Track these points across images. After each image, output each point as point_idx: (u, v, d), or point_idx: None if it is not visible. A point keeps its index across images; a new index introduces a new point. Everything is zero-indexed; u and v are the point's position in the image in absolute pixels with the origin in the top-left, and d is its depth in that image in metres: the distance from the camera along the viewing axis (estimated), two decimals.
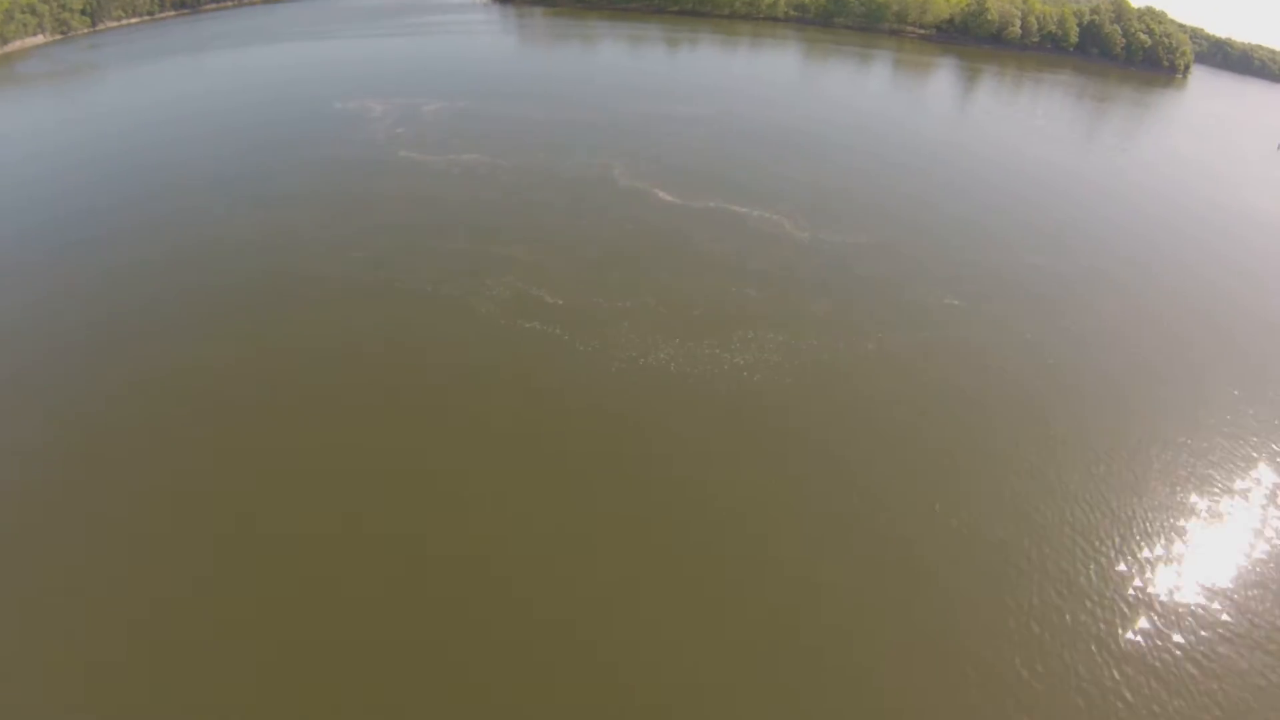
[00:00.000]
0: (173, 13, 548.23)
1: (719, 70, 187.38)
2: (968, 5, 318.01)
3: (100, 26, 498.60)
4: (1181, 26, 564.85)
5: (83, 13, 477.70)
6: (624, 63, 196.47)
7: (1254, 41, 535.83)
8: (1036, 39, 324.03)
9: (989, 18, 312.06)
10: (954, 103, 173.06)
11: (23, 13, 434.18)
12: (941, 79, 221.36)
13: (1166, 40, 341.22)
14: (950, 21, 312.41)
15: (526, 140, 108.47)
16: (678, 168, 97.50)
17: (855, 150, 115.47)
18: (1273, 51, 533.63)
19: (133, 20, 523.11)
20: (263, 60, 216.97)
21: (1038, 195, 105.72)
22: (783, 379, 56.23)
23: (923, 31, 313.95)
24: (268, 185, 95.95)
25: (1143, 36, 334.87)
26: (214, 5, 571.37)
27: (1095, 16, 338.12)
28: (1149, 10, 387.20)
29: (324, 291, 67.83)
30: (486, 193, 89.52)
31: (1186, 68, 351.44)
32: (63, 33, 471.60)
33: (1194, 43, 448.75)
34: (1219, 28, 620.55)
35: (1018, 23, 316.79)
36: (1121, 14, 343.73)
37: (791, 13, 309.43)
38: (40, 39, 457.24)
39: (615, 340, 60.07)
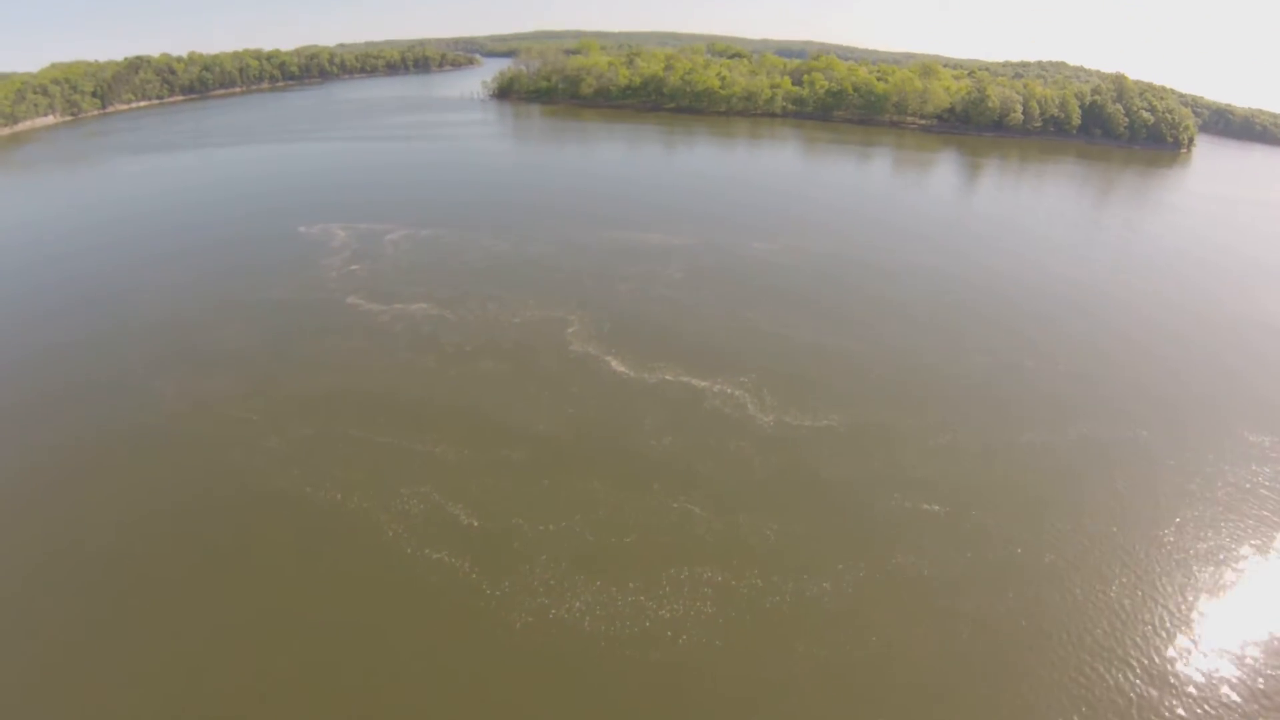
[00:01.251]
0: (181, 97, 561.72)
1: (707, 183, 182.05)
2: (968, 93, 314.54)
3: (110, 109, 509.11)
4: (1181, 96, 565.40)
5: (93, 95, 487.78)
6: (608, 174, 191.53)
7: (1254, 107, 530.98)
8: (1039, 124, 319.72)
9: (990, 105, 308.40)
10: (951, 216, 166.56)
11: (34, 93, 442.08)
12: (941, 181, 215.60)
13: (1169, 116, 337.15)
14: (951, 110, 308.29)
15: (482, 285, 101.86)
16: (638, 323, 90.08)
17: (841, 288, 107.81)
18: (1274, 116, 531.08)
19: (141, 104, 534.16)
20: (245, 163, 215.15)
21: (1042, 336, 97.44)
22: (713, 640, 47.59)
23: (923, 122, 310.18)
24: (200, 339, 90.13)
25: (1145, 115, 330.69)
26: (222, 92, 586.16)
27: (1097, 97, 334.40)
28: (1150, 87, 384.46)
29: (226, 500, 61.40)
30: (425, 359, 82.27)
31: (1190, 141, 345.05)
32: (73, 114, 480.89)
33: (1194, 112, 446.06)
34: (1217, 93, 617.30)
35: (1019, 109, 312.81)
36: (1123, 92, 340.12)
37: (790, 107, 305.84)
38: (51, 119, 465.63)
39: (528, 581, 51.96)
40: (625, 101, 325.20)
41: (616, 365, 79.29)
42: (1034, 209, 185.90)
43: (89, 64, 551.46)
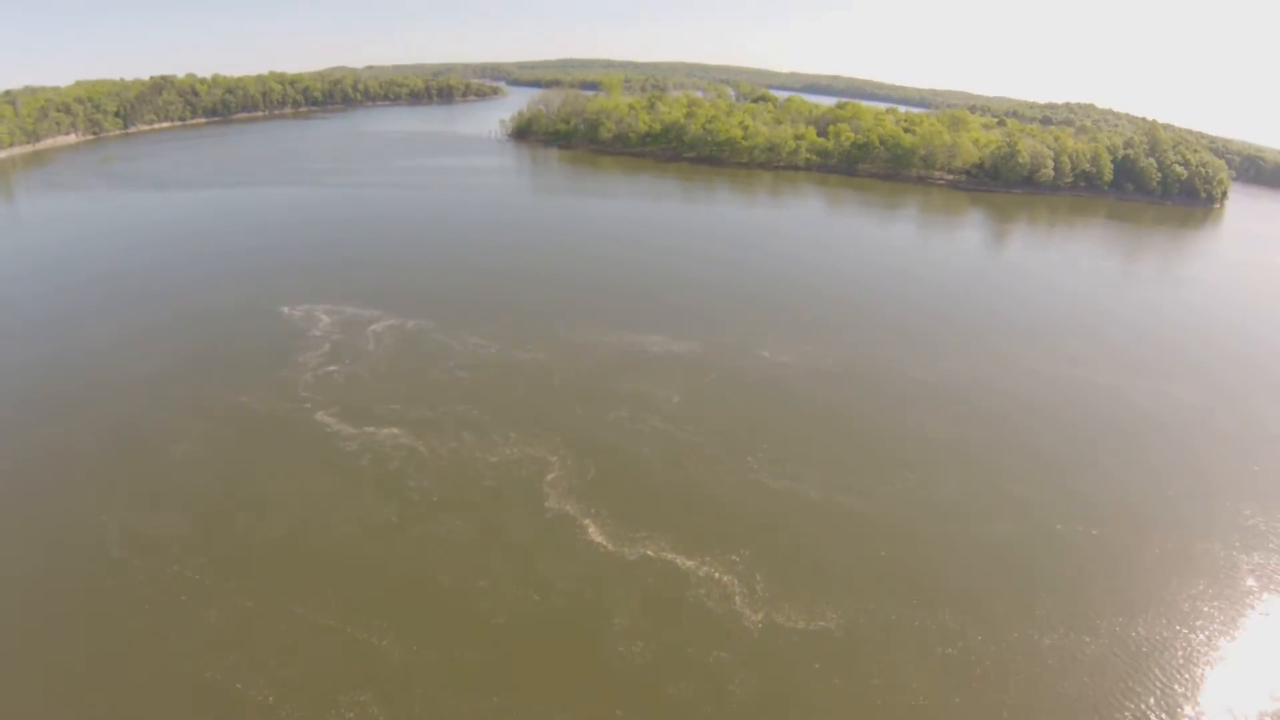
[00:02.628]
0: (203, 120, 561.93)
1: (723, 255, 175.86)
2: (998, 148, 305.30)
3: (132, 130, 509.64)
4: (1211, 141, 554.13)
5: (116, 114, 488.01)
6: (620, 240, 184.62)
7: None
8: (1070, 179, 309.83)
9: (1020, 160, 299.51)
10: (976, 298, 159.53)
11: (57, 111, 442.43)
12: (966, 255, 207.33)
13: (1203, 170, 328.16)
14: (980, 166, 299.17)
15: (462, 404, 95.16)
16: (626, 470, 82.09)
17: (855, 417, 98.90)
18: None
19: (163, 125, 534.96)
20: (247, 211, 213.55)
21: (1076, 474, 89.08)
22: None
23: (951, 177, 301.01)
24: (154, 459, 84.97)
25: (1178, 169, 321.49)
26: (244, 115, 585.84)
27: (1130, 150, 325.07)
28: (1183, 138, 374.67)
29: (151, 687, 55.58)
30: (387, 510, 74.84)
31: (1224, 195, 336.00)
32: (94, 133, 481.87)
33: (1226, 161, 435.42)
34: (1249, 133, 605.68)
35: (1050, 164, 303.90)
36: (1156, 145, 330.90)
37: (814, 159, 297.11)
38: (73, 138, 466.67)
39: None
40: (645, 149, 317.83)
41: (594, 533, 71.18)
42: (1061, 288, 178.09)
43: (113, 82, 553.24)
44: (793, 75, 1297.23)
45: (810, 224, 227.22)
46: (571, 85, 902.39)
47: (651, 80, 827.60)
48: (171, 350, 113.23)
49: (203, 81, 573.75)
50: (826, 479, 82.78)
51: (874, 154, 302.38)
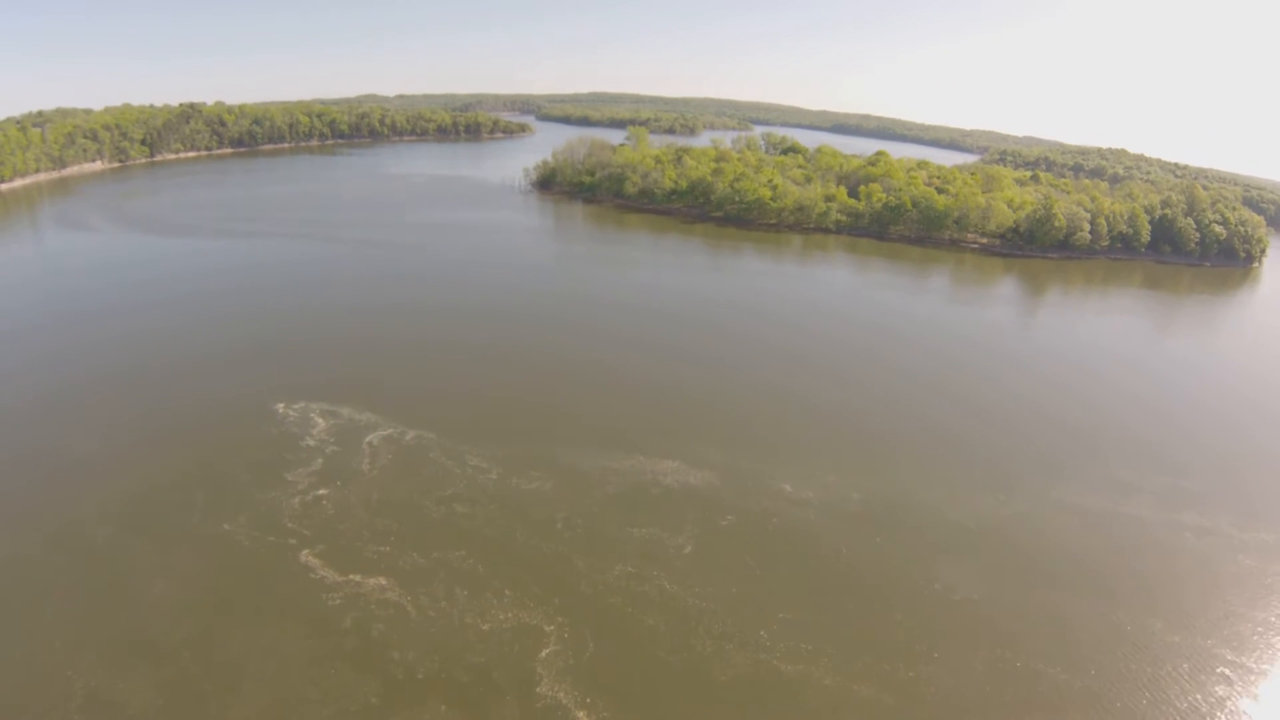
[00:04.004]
0: (229, 150, 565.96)
1: (741, 346, 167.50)
2: (1033, 210, 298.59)
3: (158, 158, 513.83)
4: (1247, 187, 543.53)
5: (142, 142, 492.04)
6: (635, 326, 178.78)
7: None
8: (1106, 242, 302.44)
9: (1056, 224, 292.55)
10: (1010, 392, 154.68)
11: (84, 138, 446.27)
12: (998, 334, 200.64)
13: (1241, 229, 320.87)
14: (1015, 230, 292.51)
15: (458, 549, 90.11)
16: (625, 649, 75.56)
17: (882, 571, 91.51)
18: None
19: (189, 155, 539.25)
20: (255, 269, 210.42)
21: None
22: None
23: (985, 240, 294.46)
24: (126, 605, 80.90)
25: (1217, 228, 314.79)
26: (270, 147, 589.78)
27: (1167, 210, 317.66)
28: (1220, 195, 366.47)
29: None
30: (366, 689, 70.13)
31: (1262, 253, 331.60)
32: (120, 161, 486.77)
33: (1259, 209, 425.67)
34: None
35: (1086, 226, 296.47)
36: (1194, 204, 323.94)
37: (844, 219, 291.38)
38: (99, 165, 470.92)
39: None
40: (671, 206, 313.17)
41: None
42: (1103, 378, 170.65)
43: (141, 109, 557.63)
44: (822, 114, 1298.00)
45: (840, 296, 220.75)
46: (600, 122, 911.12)
47: (680, 120, 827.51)
48: (157, 458, 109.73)
49: (230, 112, 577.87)
50: (844, 660, 76.49)
51: (906, 216, 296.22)
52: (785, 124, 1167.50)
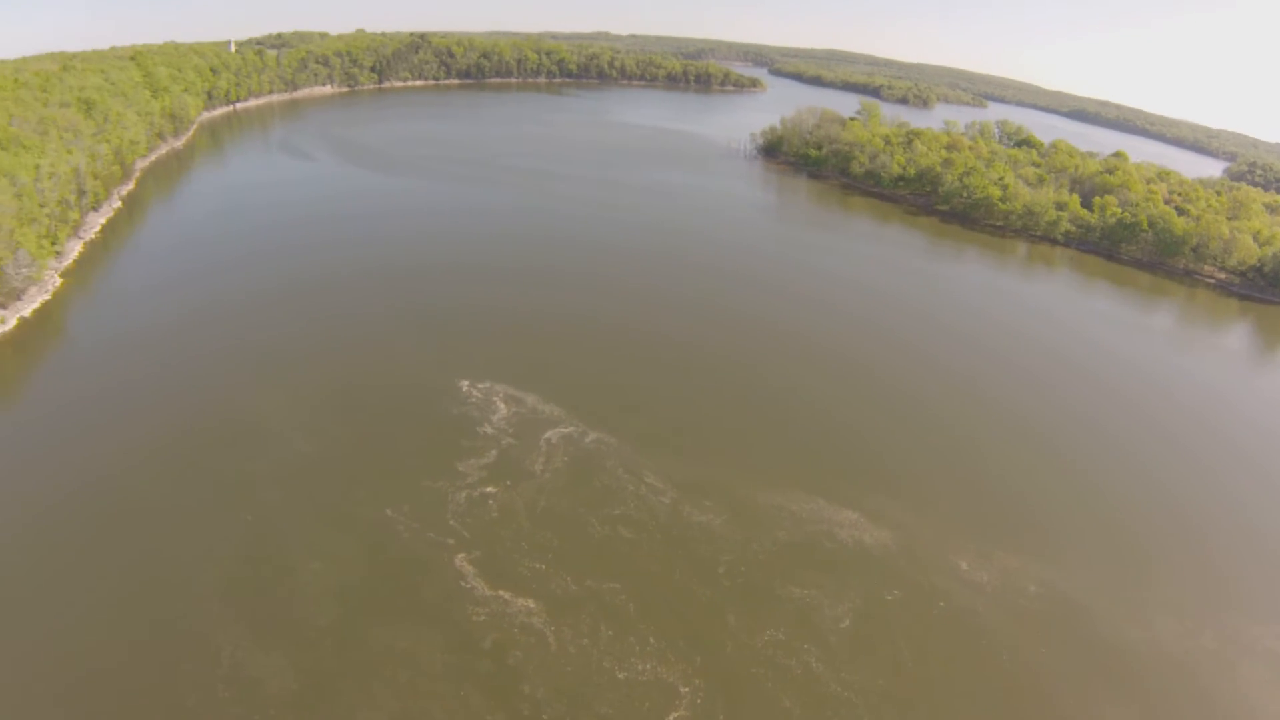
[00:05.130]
0: (456, 81, 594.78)
1: (944, 375, 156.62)
2: None
3: (386, 85, 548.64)
4: None
5: (371, 69, 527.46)
6: (843, 333, 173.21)
7: None
8: None
9: None
10: (1224, 492, 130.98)
11: (316, 63, 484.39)
12: (1223, 395, 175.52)
13: None
14: (1259, 270, 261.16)
15: (611, 583, 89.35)
16: None
17: (1039, 698, 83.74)
18: None
19: (416, 83, 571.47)
20: (455, 224, 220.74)
21: None
22: None
23: (1222, 275, 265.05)
24: (278, 583, 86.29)
25: None
26: (497, 81, 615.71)
27: None
28: None
29: None
30: None
31: None
32: (349, 86, 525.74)
33: None
34: None
35: None
36: None
37: (1073, 230, 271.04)
38: (329, 89, 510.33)
39: None
40: (897, 192, 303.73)
41: None
42: None
43: (372, 36, 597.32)
44: (1058, 95, 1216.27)
45: (1057, 328, 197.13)
46: (832, 83, 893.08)
47: (914, 90, 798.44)
48: (335, 422, 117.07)
49: (459, 44, 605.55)
50: None
51: (1140, 236, 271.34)
52: (1020, 102, 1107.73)
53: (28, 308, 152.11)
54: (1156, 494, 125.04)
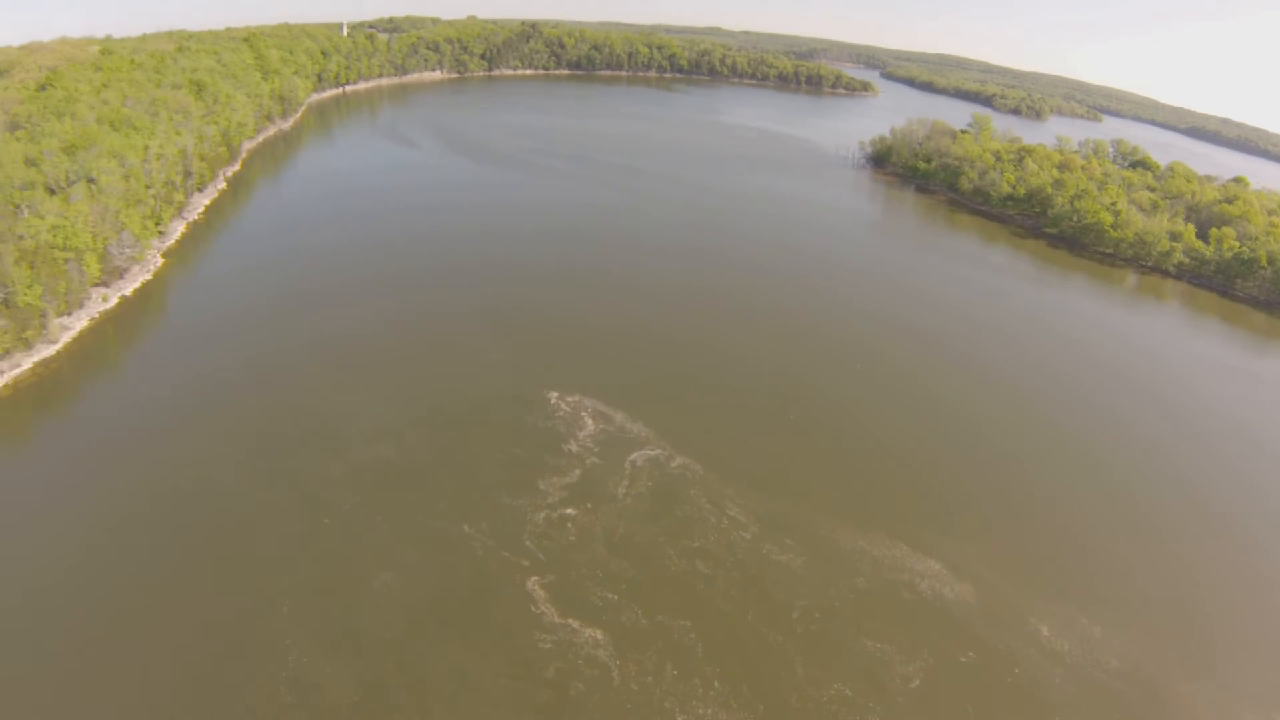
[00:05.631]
0: (566, 72, 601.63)
1: (1034, 411, 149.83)
2: None
3: (495, 73, 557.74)
4: None
5: (481, 57, 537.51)
6: (940, 360, 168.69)
7: None
8: None
9: None
10: None
11: (426, 49, 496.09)
12: None
13: None
14: None
15: (679, 623, 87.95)
16: None
17: None
18: None
19: (526, 72, 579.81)
20: (554, 223, 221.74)
21: None
22: None
23: None
24: (348, 591, 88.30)
25: None
26: (608, 73, 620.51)
27: None
28: None
29: None
30: None
31: None
32: (459, 72, 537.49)
33: None
34: None
35: None
36: None
37: (1186, 262, 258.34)
38: (438, 75, 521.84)
39: None
40: (1005, 211, 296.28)
41: None
42: None
43: (482, 24, 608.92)
44: (1178, 112, 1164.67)
45: (1163, 368, 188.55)
46: (944, 89, 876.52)
47: (1027, 101, 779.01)
48: (419, 427, 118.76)
49: (570, 35, 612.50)
50: None
51: (1259, 273, 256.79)
52: (1136, 117, 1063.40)
53: (129, 286, 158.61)
54: (1252, 577, 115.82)
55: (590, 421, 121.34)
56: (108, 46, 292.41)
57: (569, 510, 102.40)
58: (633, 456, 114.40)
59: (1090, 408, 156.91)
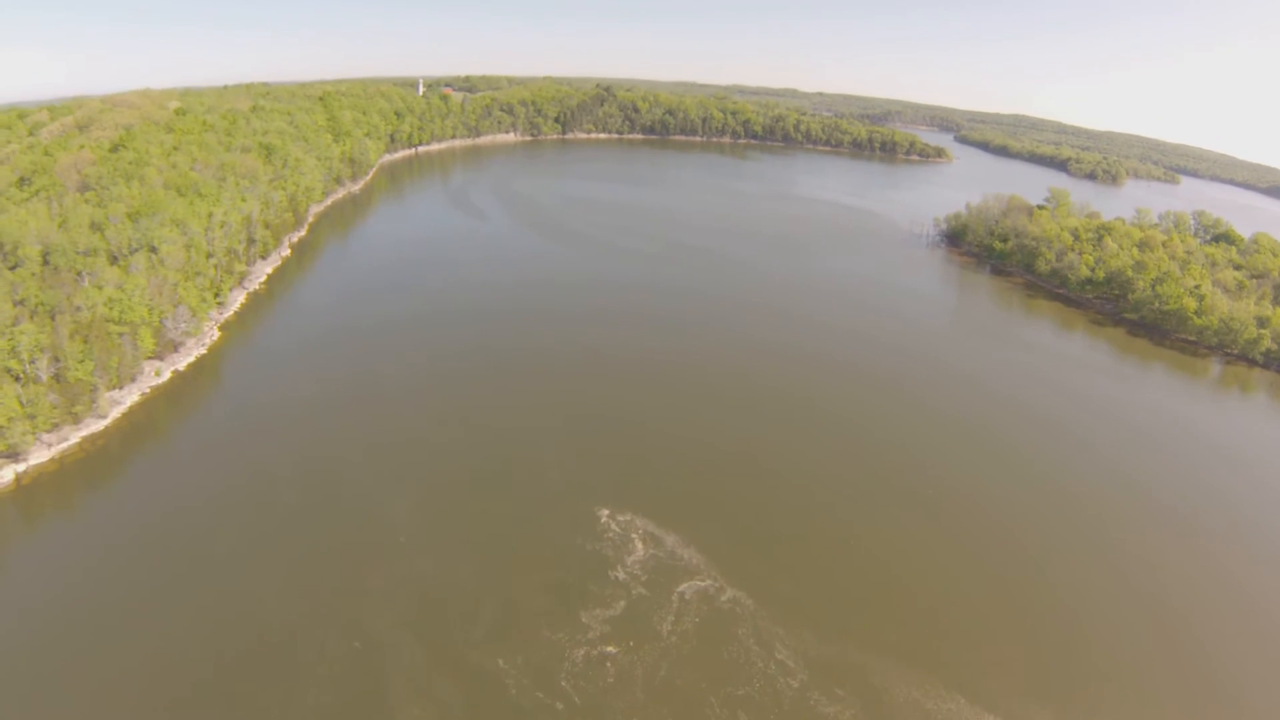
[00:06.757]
0: (640, 136, 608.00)
1: (1108, 575, 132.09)
2: None
3: (569, 136, 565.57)
4: None
5: (555, 120, 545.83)
6: (1006, 477, 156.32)
7: None
8: None
9: None
10: None
11: (500, 111, 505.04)
12: None
13: None
14: None
15: None
16: None
17: None
18: None
19: (599, 136, 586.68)
20: (625, 317, 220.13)
21: None
22: None
23: None
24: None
25: None
26: (681, 138, 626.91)
27: None
28: None
29: None
30: None
31: None
32: (532, 135, 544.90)
33: None
34: None
35: None
36: None
37: (1274, 350, 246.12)
38: (512, 137, 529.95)
39: None
40: (1083, 295, 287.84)
41: None
42: None
43: (556, 88, 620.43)
44: (1256, 169, 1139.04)
45: (1242, 470, 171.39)
46: (1019, 153, 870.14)
47: (1103, 165, 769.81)
48: (461, 543, 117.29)
49: (644, 99, 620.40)
50: None
51: None
52: (1214, 177, 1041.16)
53: (183, 360, 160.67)
54: None
55: (640, 545, 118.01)
56: (185, 104, 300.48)
57: (610, 648, 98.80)
58: (681, 588, 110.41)
59: (1164, 526, 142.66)
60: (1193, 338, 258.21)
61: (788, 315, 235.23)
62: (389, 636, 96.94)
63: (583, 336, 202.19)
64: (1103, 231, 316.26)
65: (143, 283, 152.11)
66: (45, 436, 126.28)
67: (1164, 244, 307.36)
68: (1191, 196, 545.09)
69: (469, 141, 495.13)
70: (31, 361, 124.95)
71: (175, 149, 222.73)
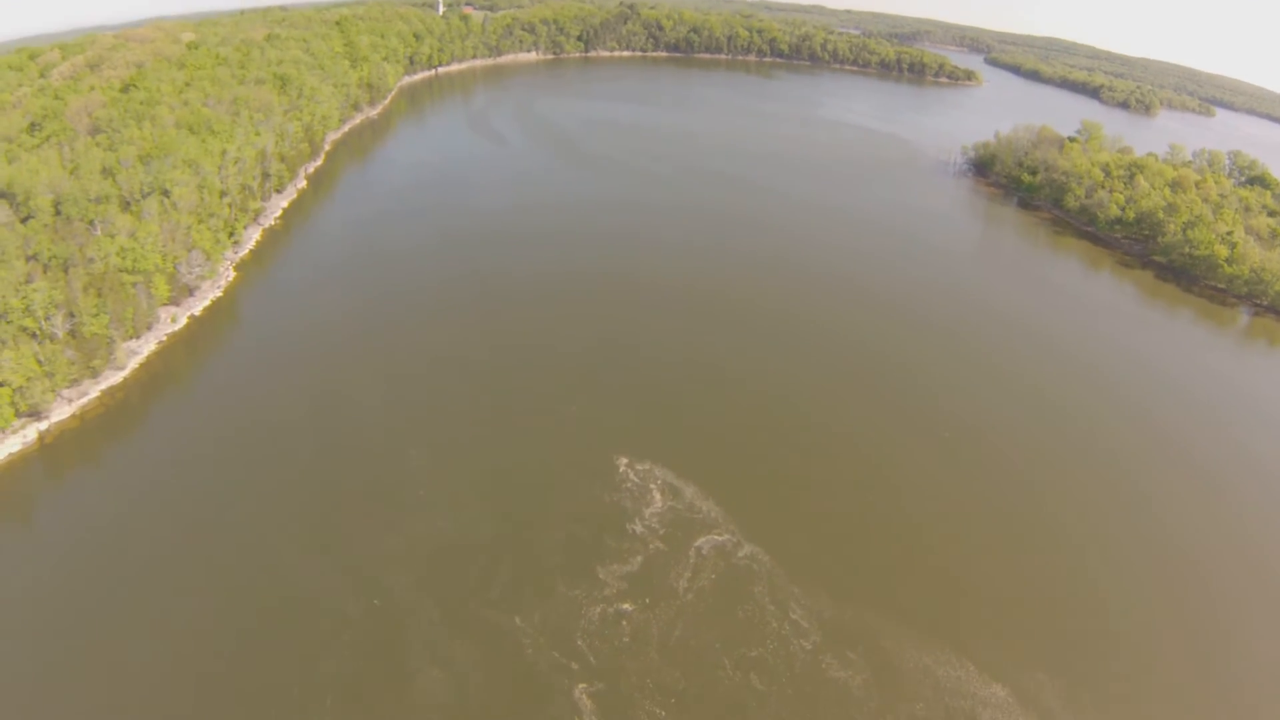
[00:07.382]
0: (664, 54, 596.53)
1: (1125, 546, 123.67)
2: None
3: (591, 54, 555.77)
4: None
5: (578, 38, 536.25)
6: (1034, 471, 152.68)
7: None
8: None
9: None
10: None
11: (522, 30, 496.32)
12: None
13: None
14: None
15: None
16: None
17: None
18: None
19: (623, 54, 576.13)
20: (638, 248, 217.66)
21: None
22: None
23: None
24: (393, 697, 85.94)
25: None
26: (706, 56, 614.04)
27: None
28: None
29: None
30: None
31: None
32: (554, 53, 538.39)
33: None
34: None
35: None
36: None
37: None
38: (533, 56, 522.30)
39: None
40: (1112, 234, 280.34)
41: None
42: None
43: (580, 6, 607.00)
44: None
45: (1269, 426, 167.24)
46: (1050, 79, 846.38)
47: (1136, 94, 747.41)
48: (478, 499, 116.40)
49: (669, 17, 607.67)
50: None
51: None
52: (1251, 110, 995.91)
53: (199, 305, 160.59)
54: None
55: (659, 496, 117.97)
56: (199, 36, 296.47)
57: (626, 605, 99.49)
58: (699, 543, 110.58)
59: (1189, 487, 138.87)
60: (1222, 285, 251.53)
61: (817, 259, 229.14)
62: (408, 598, 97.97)
63: (605, 262, 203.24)
64: (1135, 169, 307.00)
65: (155, 229, 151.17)
66: (65, 392, 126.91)
67: (1197, 184, 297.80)
68: (1226, 132, 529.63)
69: (490, 61, 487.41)
70: (47, 318, 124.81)
71: (187, 85, 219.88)
